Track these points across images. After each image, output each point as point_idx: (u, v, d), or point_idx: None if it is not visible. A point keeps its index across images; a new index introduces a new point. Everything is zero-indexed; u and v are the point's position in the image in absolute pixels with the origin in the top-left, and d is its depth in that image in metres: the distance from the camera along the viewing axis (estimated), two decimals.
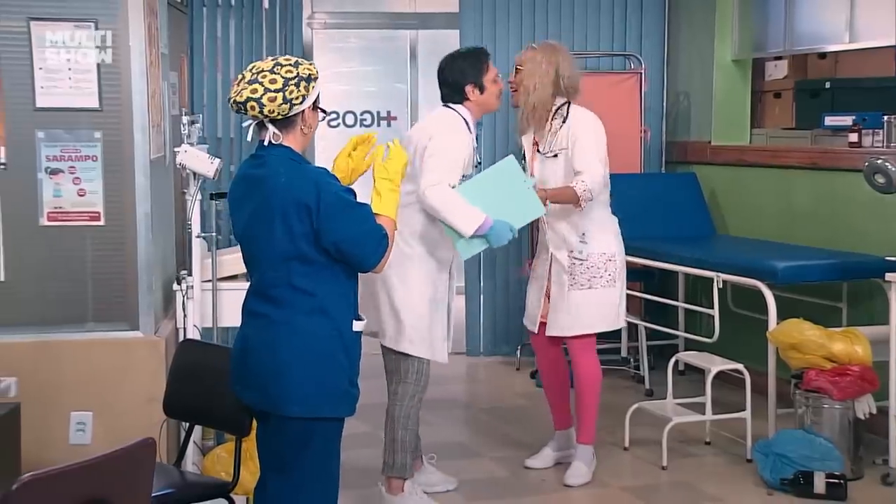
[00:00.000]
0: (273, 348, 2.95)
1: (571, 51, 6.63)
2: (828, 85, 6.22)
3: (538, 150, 4.60)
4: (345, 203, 2.93)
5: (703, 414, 4.94)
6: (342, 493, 3.15)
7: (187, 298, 4.38)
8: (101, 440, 4.16)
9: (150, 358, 4.25)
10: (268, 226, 2.92)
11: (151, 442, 2.42)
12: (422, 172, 4.10)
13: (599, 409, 4.76)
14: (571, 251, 4.55)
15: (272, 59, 2.97)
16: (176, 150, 4.30)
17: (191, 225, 4.35)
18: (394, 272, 4.13)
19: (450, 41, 7.54)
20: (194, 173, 4.30)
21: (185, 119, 4.39)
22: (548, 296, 4.64)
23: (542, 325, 4.69)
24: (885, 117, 5.35)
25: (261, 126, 2.97)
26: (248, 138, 3.04)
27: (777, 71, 6.75)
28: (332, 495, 3.08)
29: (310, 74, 2.94)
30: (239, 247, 3.12)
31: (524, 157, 4.66)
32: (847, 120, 5.58)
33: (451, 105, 4.31)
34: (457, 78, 4.27)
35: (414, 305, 4.21)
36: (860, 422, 4.62)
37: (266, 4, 6.67)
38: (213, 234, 4.47)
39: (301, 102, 2.93)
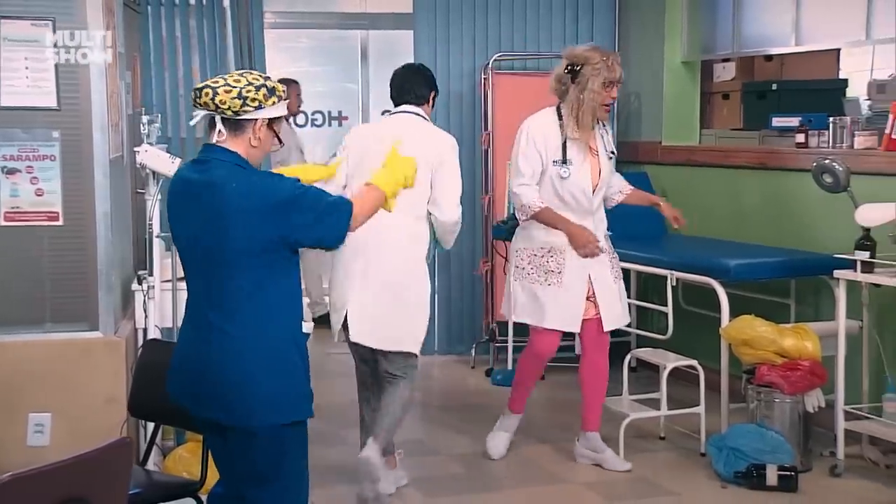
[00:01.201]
0: (237, 360, 2.87)
1: (523, 52, 6.82)
2: (774, 87, 6.33)
3: (595, 152, 4.75)
4: (296, 196, 2.88)
5: (659, 410, 5.04)
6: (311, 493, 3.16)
7: (148, 298, 4.37)
8: (59, 442, 4.13)
9: (109, 358, 4.23)
10: (221, 233, 2.84)
11: (128, 441, 2.44)
12: (447, 194, 4.26)
13: (555, 407, 4.85)
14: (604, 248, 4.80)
15: (245, 72, 2.99)
16: (136, 149, 4.29)
17: (151, 225, 4.34)
18: (412, 279, 4.28)
19: (401, 41, 7.58)
20: (154, 173, 4.29)
21: (144, 119, 4.38)
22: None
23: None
24: (830, 119, 5.46)
25: (211, 126, 2.91)
26: (194, 127, 2.99)
27: (725, 73, 6.86)
28: (306, 496, 3.09)
29: (274, 88, 2.91)
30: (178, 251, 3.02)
31: (565, 161, 4.66)
32: (794, 121, 5.68)
33: (419, 109, 4.40)
34: (430, 84, 4.47)
35: (426, 307, 4.39)
36: (809, 415, 4.74)
37: (226, 3, 6.62)
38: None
39: (256, 108, 2.87)
